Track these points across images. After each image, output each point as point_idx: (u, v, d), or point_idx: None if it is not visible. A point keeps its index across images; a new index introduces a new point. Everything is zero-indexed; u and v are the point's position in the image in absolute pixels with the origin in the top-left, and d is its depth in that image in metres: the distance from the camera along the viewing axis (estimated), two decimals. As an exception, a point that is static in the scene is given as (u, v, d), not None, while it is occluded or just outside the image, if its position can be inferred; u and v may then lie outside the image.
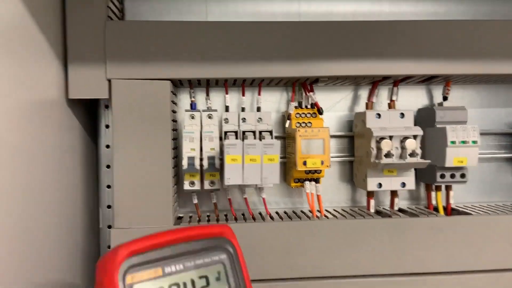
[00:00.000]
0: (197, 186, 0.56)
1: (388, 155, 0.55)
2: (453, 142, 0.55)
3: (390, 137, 0.56)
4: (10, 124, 0.39)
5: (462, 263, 0.56)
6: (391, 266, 0.55)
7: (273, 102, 0.65)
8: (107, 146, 0.64)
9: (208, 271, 0.35)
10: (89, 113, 0.63)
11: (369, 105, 0.61)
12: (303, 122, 0.59)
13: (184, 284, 0.33)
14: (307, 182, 0.58)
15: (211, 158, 0.54)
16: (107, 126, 0.64)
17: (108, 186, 0.64)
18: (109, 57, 0.52)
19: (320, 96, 0.64)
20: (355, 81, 0.61)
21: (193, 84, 0.59)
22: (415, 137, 0.56)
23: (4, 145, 0.38)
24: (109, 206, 0.64)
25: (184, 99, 0.64)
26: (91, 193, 0.63)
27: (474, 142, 0.56)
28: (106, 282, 0.31)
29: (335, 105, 0.65)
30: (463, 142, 0.55)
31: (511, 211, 0.59)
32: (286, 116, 0.61)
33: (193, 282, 0.34)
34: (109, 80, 0.52)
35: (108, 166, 0.64)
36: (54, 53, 0.50)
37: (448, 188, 0.61)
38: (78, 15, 0.52)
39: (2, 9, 0.38)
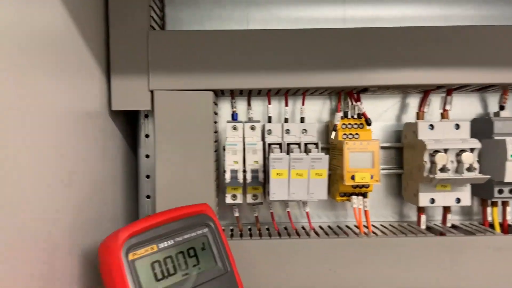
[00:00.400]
0: (239, 200, 0.55)
1: (443, 169, 0.52)
2: (514, 156, 0.51)
3: (445, 150, 0.52)
4: (51, 134, 0.38)
5: (523, 287, 0.52)
6: (446, 287, 0.52)
7: (315, 111, 0.62)
8: (147, 156, 0.63)
9: (195, 243, 0.42)
10: (129, 122, 0.62)
11: (420, 115, 0.57)
12: (350, 134, 0.56)
13: (176, 255, 0.41)
14: (354, 197, 0.55)
15: (254, 171, 0.52)
16: (146, 136, 0.63)
17: (148, 196, 0.64)
18: (151, 68, 0.51)
19: (366, 105, 0.61)
20: (404, 90, 0.58)
21: (234, 94, 0.57)
22: (472, 150, 0.52)
23: (45, 155, 0.37)
24: (148, 217, 0.63)
25: (224, 108, 0.63)
26: (131, 203, 0.62)
27: (538, 156, 0.51)
28: (112, 261, 0.37)
29: (382, 115, 0.62)
30: (526, 156, 0.51)
31: None
32: (330, 127, 0.58)
33: (182, 253, 0.41)
34: (152, 91, 0.51)
35: (147, 176, 0.63)
36: (97, 64, 0.49)
37: (504, 204, 0.57)
38: (121, 26, 0.51)
39: (51, 21, 0.38)
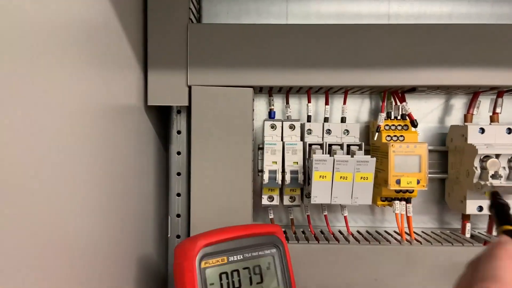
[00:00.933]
0: (275, 201, 0.52)
1: (494, 176, 0.49)
2: None
3: (497, 156, 0.49)
4: (87, 128, 0.36)
5: None
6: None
7: (354, 111, 0.60)
8: (178, 153, 0.62)
9: (261, 261, 0.43)
10: (161, 118, 0.61)
11: (468, 118, 0.54)
12: (395, 135, 0.53)
13: (243, 270, 0.42)
14: (397, 202, 0.53)
15: (293, 173, 0.50)
16: (178, 132, 0.61)
17: (178, 194, 0.62)
18: (190, 63, 0.49)
19: (409, 106, 0.58)
20: (452, 90, 0.55)
21: (273, 91, 0.55)
22: (526, 156, 0.49)
23: (81, 149, 0.35)
24: (178, 215, 0.62)
25: (259, 106, 0.60)
26: (162, 200, 0.60)
27: None
28: (186, 265, 0.40)
29: (426, 116, 0.59)
30: None
31: None
32: (373, 128, 0.55)
33: (248, 269, 0.43)
34: (190, 87, 0.49)
35: (178, 174, 0.62)
36: (135, 58, 0.47)
37: (558, 214, 0.54)
38: (160, 18, 0.49)
39: (91, 11, 0.36)
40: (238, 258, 0.43)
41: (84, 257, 0.34)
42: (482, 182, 0.49)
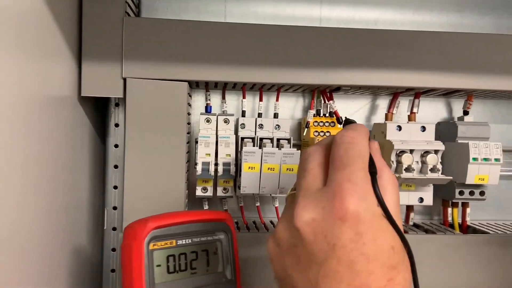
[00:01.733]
0: (209, 193, 0.54)
1: (408, 169, 0.54)
2: (475, 159, 0.54)
3: (411, 151, 0.54)
4: (17, 119, 0.36)
5: (478, 283, 0.54)
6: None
7: (288, 108, 0.63)
8: (116, 146, 0.62)
9: (209, 246, 0.45)
10: (99, 110, 0.61)
11: (389, 116, 0.59)
12: (322, 131, 0.57)
13: (190, 254, 0.44)
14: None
15: (226, 165, 0.52)
16: (116, 125, 0.62)
17: (115, 187, 0.62)
18: (126, 55, 0.50)
19: (338, 105, 0.62)
20: (375, 91, 0.60)
21: (209, 86, 0.57)
22: (436, 152, 0.54)
23: (10, 140, 0.36)
24: (115, 208, 0.62)
25: (197, 101, 0.62)
26: (98, 193, 0.61)
27: (497, 160, 0.54)
28: (134, 246, 0.41)
29: (352, 115, 0.63)
30: (486, 159, 0.54)
31: (531, 232, 0.58)
32: (303, 124, 0.59)
33: (196, 253, 0.44)
34: (125, 79, 0.50)
35: (115, 166, 0.62)
36: (68, 47, 0.48)
37: (464, 205, 0.60)
38: (96, 9, 0.50)
39: None
40: (187, 242, 0.44)
41: (12, 250, 0.34)
42: (397, 175, 0.53)
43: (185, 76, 0.50)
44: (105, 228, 0.63)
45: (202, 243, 0.44)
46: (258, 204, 0.58)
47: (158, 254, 0.42)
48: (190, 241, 0.44)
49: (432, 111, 0.64)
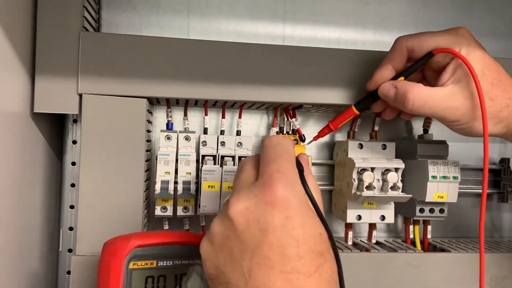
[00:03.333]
0: (169, 212, 0.53)
1: (369, 187, 0.54)
2: (434, 177, 0.55)
3: (372, 169, 0.55)
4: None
5: (439, 301, 0.55)
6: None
7: (253, 125, 0.63)
8: (73, 163, 0.60)
9: (189, 270, 0.43)
10: (56, 127, 0.59)
11: (351, 135, 0.60)
12: (284, 149, 0.56)
13: (170, 276, 0.42)
14: (285, 212, 0.56)
15: (186, 183, 0.51)
16: (74, 142, 0.60)
17: (71, 207, 0.60)
18: (82, 70, 0.48)
19: (300, 123, 0.62)
20: (336, 109, 0.60)
21: (170, 103, 0.56)
22: (396, 170, 0.55)
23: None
24: (71, 228, 0.60)
25: (159, 118, 0.61)
26: (52, 213, 0.58)
27: (455, 177, 0.55)
28: (113, 263, 0.39)
29: (315, 132, 0.64)
30: (444, 177, 0.55)
31: (488, 248, 0.59)
32: (266, 141, 0.58)
33: (176, 276, 0.42)
34: (80, 95, 0.49)
35: (72, 185, 0.60)
36: (20, 61, 0.46)
37: (425, 222, 0.61)
38: (50, 23, 0.48)
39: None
40: (168, 264, 0.42)
41: None
42: (358, 193, 0.53)
43: (144, 92, 0.49)
44: (60, 249, 0.60)
45: (183, 266, 0.43)
46: (220, 223, 0.56)
47: (137, 274, 0.40)
48: (171, 263, 0.42)
49: (393, 130, 0.65)
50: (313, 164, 0.63)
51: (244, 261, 0.30)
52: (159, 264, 0.41)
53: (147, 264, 0.41)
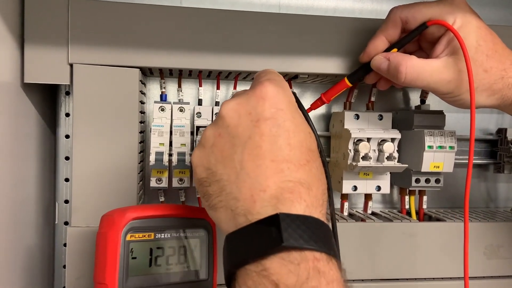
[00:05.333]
0: (164, 184, 0.53)
1: (365, 157, 0.54)
2: (430, 147, 0.54)
3: (368, 139, 0.54)
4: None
5: (433, 270, 0.55)
6: (363, 271, 0.54)
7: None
8: (67, 136, 0.59)
9: (187, 243, 0.43)
10: (48, 99, 0.58)
11: (347, 105, 0.59)
12: (280, 120, 0.56)
13: (168, 249, 0.42)
14: (281, 183, 0.56)
15: (181, 154, 0.50)
16: (67, 115, 0.59)
17: (66, 180, 0.60)
18: (72, 39, 0.47)
19: (299, 93, 0.62)
20: (335, 79, 0.59)
21: (164, 74, 0.55)
22: (393, 140, 0.54)
23: None
24: (66, 201, 0.60)
25: (153, 90, 0.60)
26: (47, 186, 0.58)
27: (451, 147, 0.55)
28: (110, 235, 0.39)
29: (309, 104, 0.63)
30: (440, 147, 0.55)
31: (484, 218, 0.59)
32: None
33: (174, 248, 0.43)
34: (71, 65, 0.48)
35: (67, 158, 0.59)
36: (8, 30, 0.44)
37: (421, 193, 0.61)
38: (38, -10, 0.47)
39: None
40: (165, 236, 0.42)
41: None
42: (354, 163, 0.53)
43: (136, 62, 0.48)
44: (56, 222, 0.60)
45: (181, 238, 0.43)
46: (216, 195, 0.56)
47: (135, 246, 0.40)
48: (169, 236, 0.42)
49: (390, 101, 0.64)
50: (309, 136, 0.62)
51: (236, 154, 0.30)
52: (157, 236, 0.42)
53: (144, 236, 0.41)
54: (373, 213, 0.61)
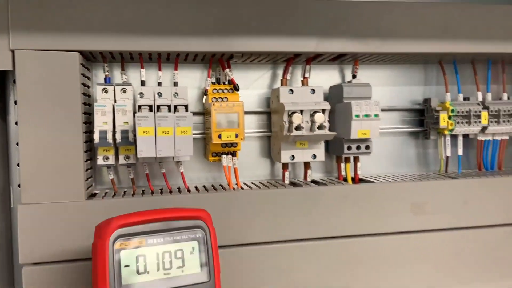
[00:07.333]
0: (111, 161, 0.56)
1: (298, 128, 0.58)
2: (357, 116, 0.60)
3: (301, 112, 0.59)
4: None
5: (367, 227, 0.60)
6: (305, 232, 0.59)
7: (195, 79, 0.65)
8: (17, 123, 0.61)
9: (184, 245, 0.43)
10: (-2, 87, 0.60)
11: (283, 82, 0.64)
12: (220, 97, 0.60)
13: (163, 254, 0.42)
14: (224, 156, 0.60)
15: (124, 132, 0.54)
16: (16, 102, 0.61)
17: (19, 165, 0.62)
18: (12, 25, 0.50)
19: (239, 74, 0.66)
20: (271, 59, 0.63)
21: (107, 58, 0.58)
22: (323, 111, 0.59)
23: None
24: (20, 186, 0.62)
25: (100, 75, 0.63)
26: (1, 171, 0.60)
27: (376, 115, 0.60)
28: (99, 245, 0.40)
29: (253, 83, 0.67)
30: (366, 115, 0.60)
31: (411, 179, 0.65)
32: (204, 92, 0.62)
33: (170, 253, 0.42)
34: (13, 51, 0.50)
35: (18, 144, 0.62)
36: None
37: (355, 159, 0.66)
38: (-24, -19, 0.49)
39: None
40: (158, 241, 0.42)
41: None
42: (289, 133, 0.58)
43: (75, 46, 0.51)
44: (12, 206, 0.62)
45: (176, 241, 0.42)
46: (163, 171, 0.60)
47: (126, 253, 0.40)
48: (161, 240, 0.42)
49: (326, 77, 0.69)
50: (253, 112, 0.66)
51: None
52: (148, 242, 0.42)
53: (135, 243, 0.41)
54: (313, 181, 0.66)
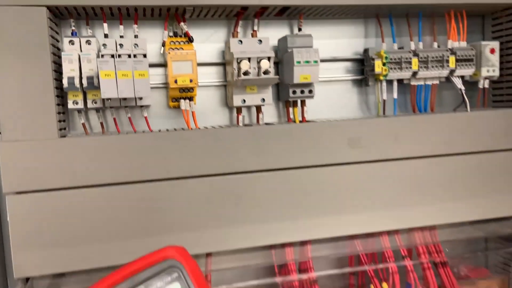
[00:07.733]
0: (80, 105, 0.64)
1: (246, 73, 0.66)
2: (298, 62, 0.68)
3: (249, 59, 0.67)
4: None
5: (310, 159, 0.69)
6: (254, 164, 0.67)
7: (156, 35, 0.72)
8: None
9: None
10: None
11: (234, 35, 0.71)
12: (176, 48, 0.67)
13: None
14: (182, 100, 0.68)
15: (89, 78, 0.61)
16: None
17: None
18: (-17, -17, 0.56)
19: (196, 30, 0.73)
20: (222, 13, 0.70)
21: (73, 15, 0.65)
22: (269, 58, 0.67)
23: None
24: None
25: (68, 32, 0.69)
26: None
27: (316, 61, 0.68)
28: None
29: (209, 38, 0.74)
30: (307, 61, 0.68)
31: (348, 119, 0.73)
32: (162, 44, 0.69)
33: None
34: (-18, 7, 0.57)
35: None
36: None
37: (302, 103, 0.74)
38: None
39: None
40: None
41: None
42: (238, 78, 0.66)
43: (42, 1, 0.58)
44: None
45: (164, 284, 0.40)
46: (129, 115, 0.68)
47: None
48: None
49: (276, 32, 0.76)
50: (211, 64, 0.74)
51: None
52: None
53: None
54: (265, 124, 0.74)
